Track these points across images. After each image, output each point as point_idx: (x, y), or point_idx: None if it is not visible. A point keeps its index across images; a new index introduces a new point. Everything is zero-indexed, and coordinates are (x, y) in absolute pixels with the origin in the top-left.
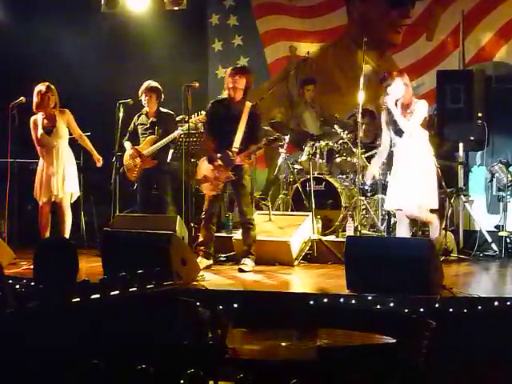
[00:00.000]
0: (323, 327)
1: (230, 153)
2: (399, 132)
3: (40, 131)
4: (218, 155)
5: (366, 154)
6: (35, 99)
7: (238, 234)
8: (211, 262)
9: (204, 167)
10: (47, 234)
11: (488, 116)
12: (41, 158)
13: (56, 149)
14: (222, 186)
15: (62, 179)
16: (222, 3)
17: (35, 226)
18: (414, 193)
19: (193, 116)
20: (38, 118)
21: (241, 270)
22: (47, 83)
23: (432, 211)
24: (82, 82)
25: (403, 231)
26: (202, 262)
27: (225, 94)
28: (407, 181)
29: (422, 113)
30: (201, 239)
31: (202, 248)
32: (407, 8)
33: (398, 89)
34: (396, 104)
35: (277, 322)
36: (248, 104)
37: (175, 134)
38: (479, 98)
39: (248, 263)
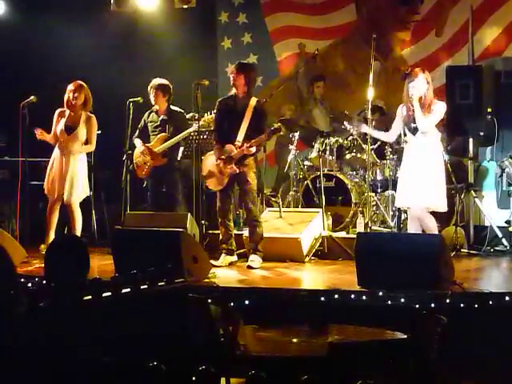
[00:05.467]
0: (334, 323)
1: (233, 146)
2: (413, 130)
3: (61, 127)
4: (222, 150)
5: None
6: (65, 96)
7: (248, 231)
8: (235, 258)
9: (209, 163)
10: (52, 230)
11: (497, 111)
12: (54, 152)
13: (70, 150)
14: (227, 180)
15: (72, 181)
16: (231, 1)
17: (45, 227)
18: (424, 194)
19: (206, 115)
20: (66, 113)
21: (249, 267)
22: (80, 82)
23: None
24: (92, 81)
25: (415, 227)
26: (226, 259)
27: (232, 91)
28: (418, 180)
29: (440, 114)
30: (220, 237)
31: (223, 246)
32: (416, 4)
33: (421, 85)
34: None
35: (288, 319)
36: (253, 100)
37: (190, 130)
38: (488, 93)
39: (255, 260)
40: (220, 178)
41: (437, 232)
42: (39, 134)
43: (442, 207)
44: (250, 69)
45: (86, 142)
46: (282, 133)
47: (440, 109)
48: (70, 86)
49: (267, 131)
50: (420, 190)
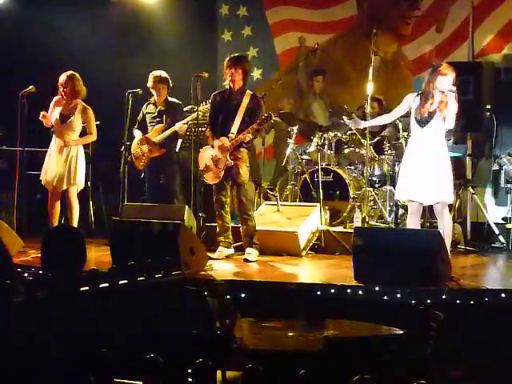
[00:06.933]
0: (330, 318)
1: (227, 138)
2: (423, 122)
3: (56, 116)
4: (216, 142)
5: (375, 140)
6: (59, 86)
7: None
8: (232, 250)
9: (204, 157)
10: (55, 221)
11: (496, 108)
12: (51, 143)
13: (65, 139)
14: (223, 173)
15: (70, 171)
16: None
17: (44, 215)
18: (442, 189)
19: (201, 105)
20: (62, 102)
21: (246, 260)
22: (68, 73)
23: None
24: (92, 72)
25: (414, 223)
26: (223, 251)
27: (226, 84)
28: (426, 172)
29: (455, 110)
30: (217, 230)
31: (220, 238)
32: None
33: (447, 82)
34: (431, 94)
35: (284, 313)
36: (248, 92)
37: (185, 120)
38: (488, 90)
39: (252, 252)
40: (216, 171)
41: (451, 232)
42: (42, 116)
43: (450, 199)
44: (245, 61)
45: (85, 133)
46: (272, 120)
47: (455, 106)
48: (60, 78)
49: (259, 119)
50: (438, 185)
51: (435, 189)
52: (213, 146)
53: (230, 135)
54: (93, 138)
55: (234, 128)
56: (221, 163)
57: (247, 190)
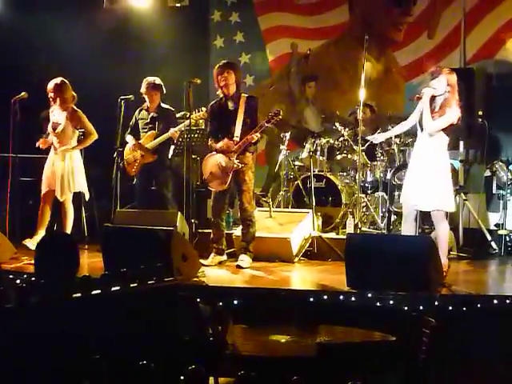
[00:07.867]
0: (323, 324)
1: (232, 142)
2: (422, 125)
3: (49, 127)
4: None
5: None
6: (47, 93)
7: (238, 231)
8: (225, 257)
9: (209, 165)
10: (43, 229)
11: (488, 114)
12: (51, 150)
13: (59, 147)
14: (230, 178)
15: (67, 178)
16: (224, 0)
17: (36, 221)
18: (432, 192)
19: (194, 113)
20: (55, 111)
21: (238, 267)
22: (60, 78)
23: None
24: (84, 78)
25: (408, 230)
26: (216, 258)
27: (220, 93)
28: (424, 178)
29: (449, 120)
30: (211, 236)
31: (214, 245)
32: (409, 5)
33: (439, 85)
34: (433, 99)
35: (277, 319)
36: (243, 95)
37: (169, 133)
38: (480, 95)
39: (245, 259)
40: (223, 177)
41: (447, 240)
42: (42, 144)
43: (451, 207)
44: (237, 66)
45: (85, 136)
46: (281, 117)
47: (451, 115)
48: (50, 84)
49: (267, 117)
50: (437, 193)
51: (434, 196)
52: (217, 152)
53: (235, 139)
54: (93, 137)
55: (237, 131)
56: (228, 168)
57: (251, 196)
